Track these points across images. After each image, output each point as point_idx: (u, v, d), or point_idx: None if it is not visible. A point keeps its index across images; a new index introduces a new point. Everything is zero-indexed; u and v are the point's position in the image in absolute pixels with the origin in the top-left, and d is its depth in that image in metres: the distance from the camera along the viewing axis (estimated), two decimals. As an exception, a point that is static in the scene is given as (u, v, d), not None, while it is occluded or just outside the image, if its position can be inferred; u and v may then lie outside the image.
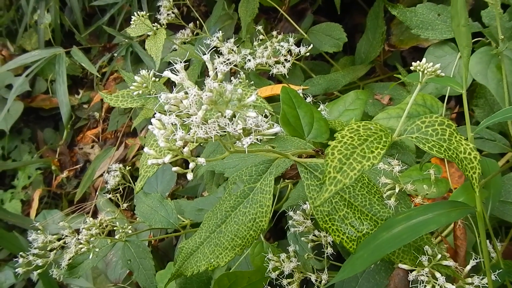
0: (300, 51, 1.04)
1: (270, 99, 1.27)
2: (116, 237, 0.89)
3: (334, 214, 0.62)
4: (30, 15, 2.17)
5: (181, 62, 0.45)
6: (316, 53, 1.59)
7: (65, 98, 1.61)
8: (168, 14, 1.41)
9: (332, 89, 1.27)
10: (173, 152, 0.44)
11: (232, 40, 1.07)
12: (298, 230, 0.80)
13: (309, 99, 1.01)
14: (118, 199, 1.13)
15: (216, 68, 0.43)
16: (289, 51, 1.05)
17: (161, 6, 1.45)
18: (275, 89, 1.29)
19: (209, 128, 0.44)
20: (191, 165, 0.44)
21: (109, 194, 1.16)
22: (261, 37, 1.14)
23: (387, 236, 0.57)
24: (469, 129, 0.57)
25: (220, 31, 1.21)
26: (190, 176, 0.44)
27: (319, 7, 1.73)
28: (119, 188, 1.32)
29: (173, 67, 0.45)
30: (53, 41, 2.16)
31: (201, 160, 0.44)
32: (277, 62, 1.05)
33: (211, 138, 0.44)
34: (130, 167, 1.35)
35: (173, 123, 0.45)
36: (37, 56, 1.65)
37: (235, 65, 1.19)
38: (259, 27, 1.13)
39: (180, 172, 0.44)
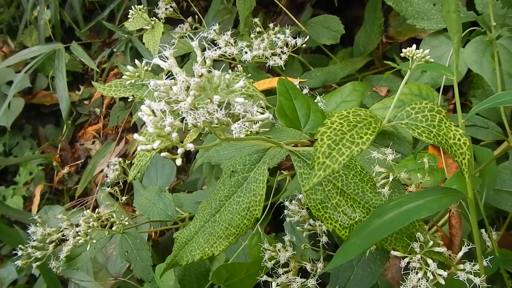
0: (296, 43, 1.04)
1: (268, 92, 1.28)
2: (113, 228, 0.90)
3: (327, 202, 0.63)
4: (30, 11, 2.17)
5: (170, 49, 0.45)
6: (314, 46, 1.60)
7: (64, 94, 1.62)
8: (166, 9, 1.42)
9: (330, 82, 1.27)
10: (163, 138, 0.44)
11: (229, 32, 1.08)
12: (294, 220, 0.80)
13: (305, 91, 1.01)
14: (117, 192, 1.14)
15: (204, 54, 0.44)
16: (286, 43, 1.05)
17: (159, 0, 1.45)
18: (273, 82, 1.30)
19: (198, 115, 0.44)
20: (180, 150, 0.44)
21: (109, 188, 1.17)
22: (258, 29, 1.14)
23: (379, 222, 0.57)
24: (460, 116, 0.58)
25: (219, 25, 1.21)
26: (178, 161, 0.44)
27: (318, 1, 1.73)
28: (119, 182, 1.33)
29: (161, 53, 0.46)
30: (53, 37, 2.17)
31: (189, 145, 0.44)
32: (274, 54, 1.05)
33: (200, 124, 0.44)
34: (130, 162, 1.36)
35: (163, 110, 0.45)
36: (37, 51, 1.66)
37: (233, 59, 1.19)
38: (256, 20, 1.13)
39: (169, 157, 0.45)
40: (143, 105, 0.46)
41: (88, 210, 0.86)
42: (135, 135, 0.46)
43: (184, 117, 0.44)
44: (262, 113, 0.49)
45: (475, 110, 0.56)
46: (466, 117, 0.58)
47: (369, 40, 1.28)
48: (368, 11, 1.32)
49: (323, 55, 1.55)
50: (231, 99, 0.44)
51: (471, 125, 0.72)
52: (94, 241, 0.85)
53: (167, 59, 0.46)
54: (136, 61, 0.75)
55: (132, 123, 1.79)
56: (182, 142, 0.47)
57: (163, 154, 0.44)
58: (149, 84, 0.45)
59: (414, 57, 0.58)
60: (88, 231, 0.84)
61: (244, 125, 0.84)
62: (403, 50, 0.59)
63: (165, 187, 1.44)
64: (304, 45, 1.14)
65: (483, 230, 0.83)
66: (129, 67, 0.74)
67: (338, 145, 0.49)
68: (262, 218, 1.20)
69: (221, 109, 0.44)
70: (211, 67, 0.44)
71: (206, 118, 0.44)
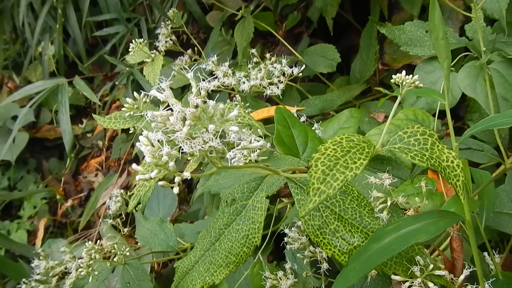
0: (293, 72, 1.06)
1: (267, 121, 1.29)
2: (115, 259, 0.90)
3: (325, 227, 0.63)
4: (35, 47, 2.22)
5: (166, 81, 0.47)
6: (312, 74, 1.62)
7: (67, 127, 1.64)
8: (166, 41, 1.45)
9: (328, 109, 1.29)
10: (160, 168, 0.45)
11: (227, 63, 1.10)
12: (294, 247, 0.80)
13: (303, 119, 1.02)
14: (119, 224, 1.14)
15: (198, 85, 0.45)
16: (283, 72, 1.07)
17: (159, 33, 1.49)
18: (271, 111, 1.31)
19: (194, 144, 0.45)
20: (177, 179, 0.45)
21: (111, 220, 1.18)
22: (255, 59, 1.16)
23: (378, 247, 0.58)
24: (453, 139, 0.59)
25: (218, 56, 1.24)
26: (176, 190, 0.45)
27: (315, 30, 1.77)
28: (121, 214, 1.34)
29: (158, 85, 0.47)
30: (57, 72, 2.21)
31: (186, 174, 0.45)
32: (271, 84, 1.07)
33: (196, 153, 0.46)
34: (132, 193, 1.36)
35: (160, 140, 0.46)
36: (41, 86, 1.69)
37: (232, 89, 1.22)
38: (253, 50, 1.15)
39: (166, 186, 0.46)
40: (141, 136, 0.47)
41: (90, 242, 0.87)
42: (134, 165, 0.47)
43: (181, 147, 0.46)
44: (257, 141, 0.50)
45: (469, 133, 0.57)
46: (459, 140, 0.59)
47: (365, 67, 1.30)
48: (364, 39, 1.34)
49: (320, 83, 1.57)
50: (226, 128, 0.45)
51: (466, 148, 0.73)
52: (96, 273, 0.85)
53: (164, 90, 0.47)
54: (135, 94, 0.77)
55: (134, 154, 1.80)
56: (182, 172, 0.48)
57: (160, 183, 0.45)
58: (146, 115, 0.46)
59: (404, 83, 0.59)
60: (90, 262, 0.84)
61: (241, 153, 0.85)
62: (393, 76, 0.60)
63: (166, 218, 1.44)
64: (302, 74, 1.17)
65: (485, 253, 0.83)
66: (128, 99, 0.75)
67: (332, 171, 0.50)
68: (264, 247, 1.19)
69: (216, 138, 0.45)
70: (206, 98, 0.45)
71: (202, 147, 0.45)
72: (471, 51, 0.93)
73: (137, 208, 1.32)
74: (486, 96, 0.84)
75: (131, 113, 0.76)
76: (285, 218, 1.10)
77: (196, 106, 0.45)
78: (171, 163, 0.44)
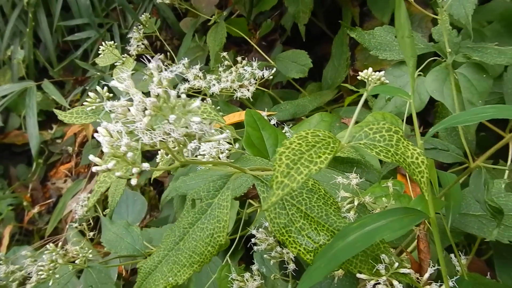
0: (263, 75, 1.06)
1: (238, 126, 1.29)
2: (76, 262, 0.87)
3: (291, 226, 0.62)
4: (4, 51, 2.17)
5: (127, 71, 0.46)
6: (285, 81, 1.63)
7: (34, 131, 1.60)
8: (138, 45, 1.44)
9: (299, 115, 1.29)
10: (118, 159, 0.44)
11: (198, 66, 1.09)
12: (261, 248, 0.79)
13: (273, 122, 1.02)
14: (85, 228, 1.11)
15: (160, 75, 0.44)
16: (254, 76, 1.07)
17: (131, 38, 1.47)
18: (242, 115, 1.30)
19: (155, 135, 0.44)
20: (135, 169, 0.44)
21: (76, 223, 1.15)
22: (226, 63, 1.16)
23: (342, 244, 0.57)
24: (418, 137, 0.59)
25: (187, 60, 1.22)
26: (134, 181, 0.44)
27: (289, 38, 1.78)
28: (89, 220, 1.31)
29: (119, 76, 0.46)
30: (26, 77, 2.16)
31: (145, 165, 0.44)
32: (242, 87, 1.07)
33: (157, 144, 0.44)
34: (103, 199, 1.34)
35: (119, 131, 0.45)
36: (8, 90, 1.65)
37: (205, 94, 1.21)
38: (225, 53, 1.15)
39: (124, 177, 0.44)
40: (99, 127, 0.45)
41: (51, 244, 0.84)
42: (91, 156, 0.46)
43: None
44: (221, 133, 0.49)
45: (433, 130, 0.58)
46: (424, 138, 0.59)
47: (336, 73, 1.31)
48: (335, 46, 1.36)
49: (293, 90, 1.57)
50: (188, 118, 0.44)
51: (432, 148, 0.74)
52: (57, 276, 0.82)
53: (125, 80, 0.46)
54: (98, 88, 0.75)
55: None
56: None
57: (117, 174, 0.44)
58: (105, 105, 0.45)
59: (370, 79, 0.59)
60: (51, 265, 0.81)
61: (210, 154, 0.84)
62: (360, 73, 0.61)
63: (136, 223, 1.41)
64: (272, 78, 1.17)
65: (452, 255, 0.83)
66: (90, 94, 0.74)
67: (296, 165, 0.50)
68: (234, 251, 1.18)
69: (177, 129, 0.44)
70: (167, 88, 0.44)
71: (163, 139, 0.44)
72: (439, 56, 0.94)
73: (104, 213, 1.29)
74: (453, 100, 0.85)
75: (94, 107, 0.74)
76: (255, 221, 1.09)
77: (158, 96, 0.44)
78: (129, 154, 0.43)
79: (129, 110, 0.45)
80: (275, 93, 1.51)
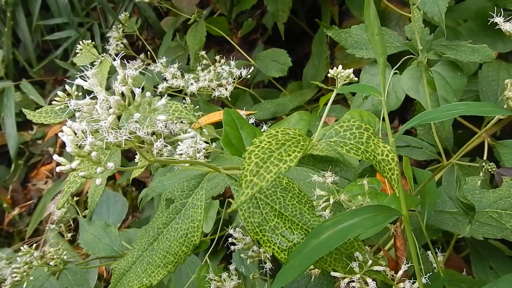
0: (241, 73, 1.06)
1: (219, 125, 1.28)
2: (51, 263, 0.86)
3: (265, 225, 0.62)
4: (-18, 51, 2.14)
5: (92, 69, 0.45)
6: (266, 80, 1.63)
7: (13, 131, 1.58)
8: (117, 45, 1.42)
9: (280, 114, 1.29)
10: (83, 158, 0.43)
11: (176, 65, 1.09)
12: (238, 247, 0.79)
13: (251, 121, 1.02)
14: (63, 230, 1.10)
15: (124, 72, 0.44)
16: (232, 74, 1.07)
17: (110, 37, 1.46)
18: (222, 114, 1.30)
19: (120, 134, 0.43)
20: (99, 169, 0.43)
21: (54, 225, 1.13)
22: (204, 61, 1.15)
23: (316, 242, 0.57)
24: (390, 134, 0.59)
25: (172, 62, 1.21)
26: (98, 181, 0.43)
27: (270, 38, 1.78)
28: (69, 221, 1.29)
29: (83, 73, 0.45)
30: (5, 77, 2.13)
31: (110, 164, 0.43)
32: (220, 86, 1.06)
33: (122, 143, 0.44)
34: (85, 200, 1.32)
35: (84, 130, 0.44)
36: (-14, 90, 1.63)
37: (185, 94, 1.20)
38: (203, 52, 1.14)
39: (88, 177, 0.44)
40: (64, 126, 0.45)
41: (25, 246, 0.83)
42: (55, 156, 0.45)
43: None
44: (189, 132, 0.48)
45: (405, 128, 0.58)
46: (396, 136, 0.59)
47: (316, 72, 1.32)
48: (315, 45, 1.36)
49: (275, 89, 1.57)
50: (153, 117, 0.44)
51: (405, 146, 0.74)
52: (32, 278, 0.81)
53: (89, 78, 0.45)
54: (67, 87, 0.74)
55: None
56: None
57: (81, 173, 0.43)
58: (70, 104, 0.44)
59: (339, 76, 0.59)
60: (25, 267, 0.80)
61: (187, 154, 0.83)
62: (330, 71, 0.61)
63: (117, 224, 1.40)
64: (253, 77, 1.16)
65: (429, 252, 0.84)
66: (59, 93, 0.73)
67: (266, 163, 0.49)
68: (216, 252, 1.18)
69: (143, 128, 0.44)
70: (132, 85, 0.44)
71: (128, 137, 0.44)
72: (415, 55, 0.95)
73: (84, 214, 1.28)
74: (428, 97, 0.85)
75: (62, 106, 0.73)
76: (235, 221, 1.09)
77: (122, 95, 0.43)
78: (94, 153, 0.42)
79: (95, 109, 0.45)
80: (257, 92, 1.51)
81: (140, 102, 0.43)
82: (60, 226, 1.11)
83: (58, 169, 0.43)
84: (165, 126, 0.44)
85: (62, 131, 0.45)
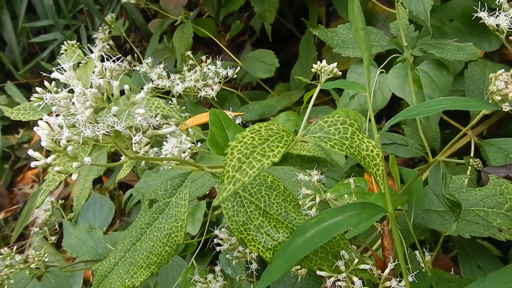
0: (227, 73, 1.05)
1: (206, 127, 1.27)
2: (32, 266, 0.84)
3: (249, 223, 0.61)
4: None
5: (69, 62, 0.44)
6: (254, 81, 1.62)
7: (-4, 134, 1.55)
8: (103, 46, 1.41)
9: (267, 115, 1.28)
10: (59, 153, 0.42)
11: (162, 65, 1.07)
12: (223, 248, 0.78)
13: (238, 121, 1.01)
14: (47, 233, 1.08)
15: (103, 65, 0.43)
16: (218, 74, 1.06)
17: (97, 38, 1.45)
18: (210, 115, 1.29)
19: (98, 128, 0.42)
20: (75, 164, 0.42)
21: (38, 228, 1.11)
22: (191, 62, 1.14)
23: (301, 240, 0.56)
24: (375, 130, 0.58)
25: (160, 64, 1.20)
26: (74, 176, 0.42)
27: (259, 39, 1.77)
28: (54, 225, 1.27)
29: (60, 66, 0.44)
30: (-9, 80, 2.11)
31: (86, 159, 0.42)
32: (206, 86, 1.05)
33: (100, 137, 0.43)
34: (71, 204, 1.30)
35: (60, 124, 0.43)
36: (-30, 93, 1.60)
37: (173, 95, 1.19)
38: (189, 53, 1.13)
39: (63, 172, 0.42)
40: (40, 121, 0.44)
41: (5, 249, 0.81)
42: (30, 151, 0.44)
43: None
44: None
45: (389, 124, 0.57)
46: (381, 132, 0.59)
47: (304, 73, 1.31)
48: (303, 46, 1.36)
49: (263, 91, 1.57)
50: (132, 110, 0.43)
51: (391, 143, 0.74)
52: (12, 282, 0.79)
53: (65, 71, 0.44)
54: (46, 83, 0.73)
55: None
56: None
57: (56, 168, 0.42)
58: (45, 98, 0.43)
59: (322, 71, 0.59)
60: (6, 270, 0.78)
61: (172, 154, 0.82)
62: (314, 66, 0.60)
63: (103, 228, 1.38)
64: (241, 79, 1.15)
65: (417, 252, 0.83)
66: (38, 89, 0.71)
67: (248, 159, 0.48)
68: (204, 254, 1.16)
69: (121, 122, 0.43)
70: (110, 78, 0.43)
71: (106, 132, 0.43)
72: (401, 53, 0.94)
73: (69, 217, 1.26)
74: (414, 96, 0.85)
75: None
76: (222, 223, 1.08)
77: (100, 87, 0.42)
78: (69, 148, 0.41)
79: (72, 103, 0.44)
80: (245, 94, 1.50)
81: (118, 95, 0.42)
82: (45, 230, 1.09)
83: (33, 164, 0.42)
84: (145, 120, 0.43)
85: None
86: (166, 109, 0.66)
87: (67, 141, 0.42)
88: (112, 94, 0.42)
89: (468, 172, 0.91)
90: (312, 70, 0.60)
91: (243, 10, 1.85)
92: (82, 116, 0.41)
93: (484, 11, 0.61)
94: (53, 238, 1.07)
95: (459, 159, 0.97)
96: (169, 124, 1.03)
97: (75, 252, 0.97)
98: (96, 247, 0.96)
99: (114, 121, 0.42)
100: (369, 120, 0.88)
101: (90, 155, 1.49)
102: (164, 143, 0.88)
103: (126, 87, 0.42)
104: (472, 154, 0.92)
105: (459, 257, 0.88)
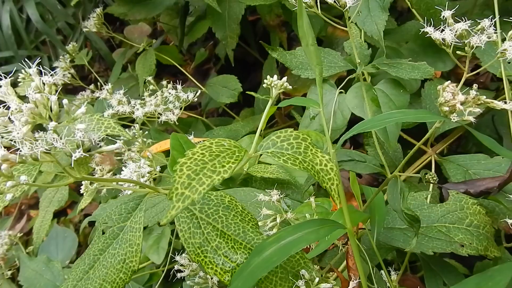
0: (188, 97, 1.04)
1: (169, 153, 1.25)
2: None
3: (206, 245, 0.59)
4: None
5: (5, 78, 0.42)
6: (220, 108, 1.62)
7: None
8: (64, 75, 1.39)
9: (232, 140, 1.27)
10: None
11: (122, 91, 1.06)
12: (184, 275, 0.75)
13: (200, 144, 1.00)
14: (2, 267, 1.03)
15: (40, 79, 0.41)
16: (178, 98, 1.05)
17: (57, 67, 1.43)
18: (174, 141, 1.28)
19: (37, 145, 0.40)
20: (9, 183, 0.40)
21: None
22: (151, 87, 1.13)
23: (259, 260, 0.55)
24: (330, 146, 0.58)
25: (124, 93, 1.18)
26: (9, 196, 0.40)
27: (223, 67, 1.78)
28: (14, 260, 1.22)
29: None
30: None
31: (22, 178, 0.40)
32: (167, 110, 1.04)
33: (38, 155, 0.41)
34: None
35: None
36: None
37: (137, 122, 1.17)
38: (150, 78, 1.13)
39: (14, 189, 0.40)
40: (-24, 140, 0.41)
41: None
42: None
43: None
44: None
45: (344, 138, 0.57)
46: (335, 148, 0.58)
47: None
48: (265, 71, 1.37)
49: (229, 117, 1.57)
50: (72, 126, 0.41)
51: (349, 160, 0.74)
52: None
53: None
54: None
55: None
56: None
57: (9, 183, 0.40)
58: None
59: (273, 85, 0.59)
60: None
61: (134, 171, 0.80)
62: (264, 80, 0.60)
63: (66, 261, 1.33)
64: (202, 104, 1.15)
65: (382, 272, 0.82)
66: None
67: (198, 175, 0.47)
68: (169, 283, 1.12)
69: (61, 139, 0.41)
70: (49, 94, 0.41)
71: (45, 149, 0.41)
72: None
73: (28, 251, 1.21)
74: (373, 115, 0.86)
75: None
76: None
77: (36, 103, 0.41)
78: (4, 166, 0.39)
79: (10, 120, 0.42)
80: (211, 121, 1.49)
81: (57, 110, 0.41)
82: (0, 265, 1.04)
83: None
84: (86, 137, 0.41)
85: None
86: (117, 128, 0.64)
87: (3, 160, 0.40)
88: (51, 110, 0.41)
89: (430, 189, 0.92)
90: (264, 85, 0.60)
91: (208, 38, 1.86)
92: (18, 133, 0.39)
93: (430, 26, 0.63)
94: (9, 272, 1.02)
95: (421, 179, 0.98)
96: (131, 151, 1.02)
97: (31, 285, 0.92)
98: (54, 279, 0.92)
99: (54, 138, 0.40)
100: (335, 141, 0.89)
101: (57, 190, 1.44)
102: (123, 168, 0.86)
103: (65, 101, 0.41)
104: (433, 171, 0.93)
105: (425, 275, 0.87)
